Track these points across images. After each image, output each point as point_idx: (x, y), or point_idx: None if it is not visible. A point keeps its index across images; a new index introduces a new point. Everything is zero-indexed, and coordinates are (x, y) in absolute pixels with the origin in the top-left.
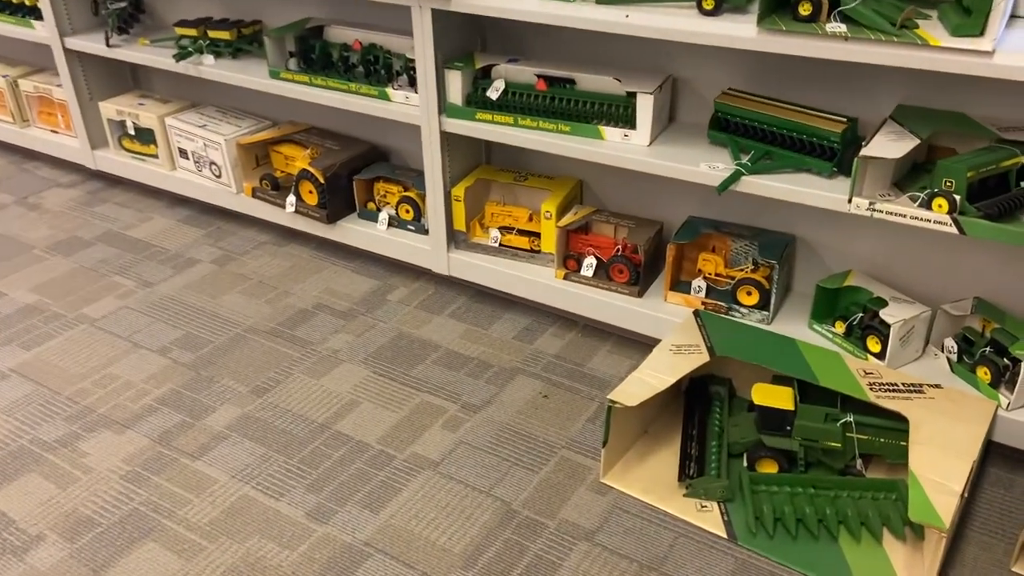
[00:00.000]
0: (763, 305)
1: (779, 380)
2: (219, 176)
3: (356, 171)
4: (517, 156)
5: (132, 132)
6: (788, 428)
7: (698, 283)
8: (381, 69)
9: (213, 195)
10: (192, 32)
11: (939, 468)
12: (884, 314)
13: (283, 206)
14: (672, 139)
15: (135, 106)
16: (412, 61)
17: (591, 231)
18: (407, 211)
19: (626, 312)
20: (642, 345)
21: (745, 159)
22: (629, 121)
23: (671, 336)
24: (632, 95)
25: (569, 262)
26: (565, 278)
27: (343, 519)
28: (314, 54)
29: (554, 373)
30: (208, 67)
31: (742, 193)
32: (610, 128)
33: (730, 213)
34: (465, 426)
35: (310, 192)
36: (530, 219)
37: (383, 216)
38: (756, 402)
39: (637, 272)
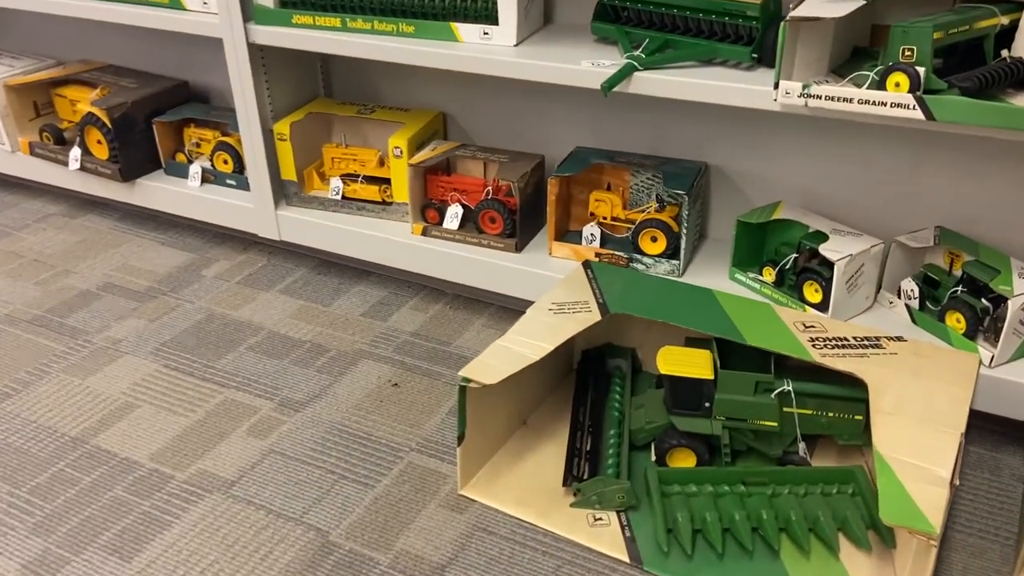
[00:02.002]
0: (672, 253)
1: (694, 344)
2: None
3: (158, 113)
4: (365, 85)
5: None
6: (707, 405)
7: (590, 230)
8: None
9: None
10: None
11: (915, 447)
12: (825, 250)
13: (66, 163)
14: (547, 40)
15: None
16: None
17: (455, 171)
18: (225, 161)
19: (501, 272)
20: None
21: (639, 52)
22: (490, 16)
23: (550, 293)
24: None
25: (429, 213)
26: (424, 233)
27: (76, 573)
28: None
29: (410, 355)
30: None
31: (640, 113)
32: (465, 25)
33: (628, 141)
34: (280, 430)
35: (98, 142)
36: (381, 163)
37: (195, 170)
38: (663, 371)
39: (513, 220)
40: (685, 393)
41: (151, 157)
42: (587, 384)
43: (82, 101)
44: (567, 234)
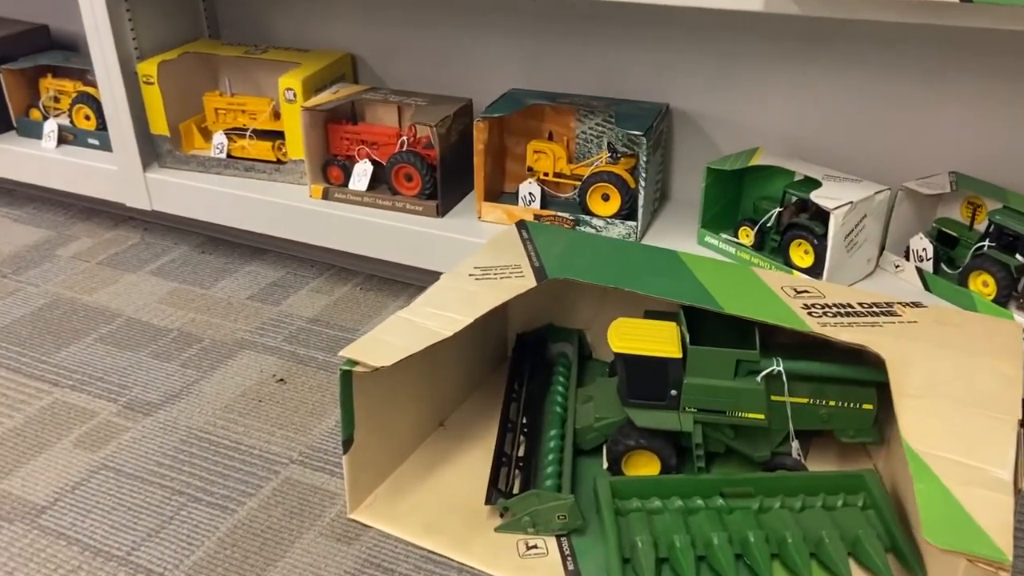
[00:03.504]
0: (628, 213)
1: (655, 317)
2: None
3: (8, 60)
4: (258, 24)
5: None
6: (673, 393)
7: (528, 188)
8: None
9: None
10: None
11: (959, 440)
12: (819, 197)
13: None
14: None
15: None
16: None
17: (364, 120)
18: (87, 117)
19: (420, 242)
20: None
21: None
22: None
23: (472, 257)
24: None
25: (331, 171)
26: (325, 196)
27: None
28: None
29: (304, 345)
30: None
31: (587, 46)
32: None
33: (572, 83)
34: (119, 439)
35: None
36: (277, 116)
37: (50, 127)
38: (616, 349)
39: (433, 177)
40: (645, 378)
41: None
42: (522, 375)
43: None
44: (501, 196)
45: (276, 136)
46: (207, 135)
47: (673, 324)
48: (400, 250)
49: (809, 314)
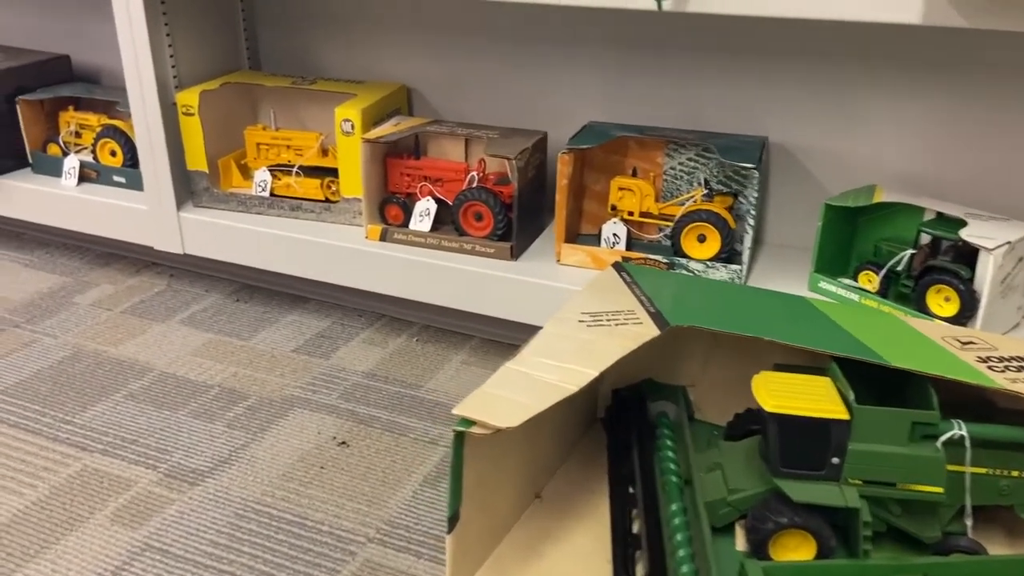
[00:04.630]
0: (729, 255)
1: (786, 370)
2: None
3: (26, 91)
4: (303, 54)
5: None
6: (835, 461)
7: (613, 228)
8: None
9: None
10: None
11: None
12: (971, 237)
13: None
14: None
15: None
16: None
17: (427, 155)
18: (113, 152)
19: (491, 288)
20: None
21: None
22: None
23: (576, 301)
24: None
25: (389, 210)
26: (383, 238)
27: None
28: None
29: (363, 403)
30: None
31: (669, 78)
32: None
33: (651, 117)
34: (164, 514)
35: None
36: (324, 152)
37: (71, 164)
38: (769, 409)
39: (507, 216)
40: (802, 444)
41: (13, 150)
42: (624, 437)
43: None
44: (578, 237)
45: (324, 173)
46: (246, 172)
47: (827, 380)
48: (468, 296)
49: (989, 368)
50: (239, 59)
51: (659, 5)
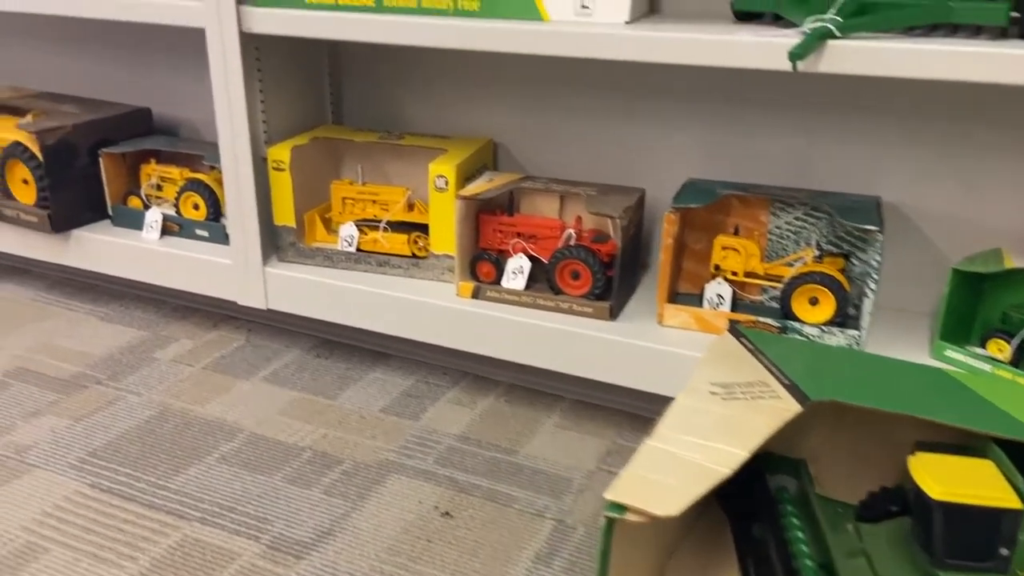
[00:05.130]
0: (843, 319)
1: (934, 451)
2: None
3: (108, 144)
4: (386, 110)
5: None
6: (1004, 552)
7: (718, 289)
8: None
9: None
10: None
11: None
12: None
13: None
14: (662, 23)
15: None
16: None
17: (519, 211)
18: (196, 206)
19: (589, 349)
20: (618, 412)
21: (831, 14)
22: None
23: (702, 370)
24: None
25: (481, 267)
26: (476, 296)
27: None
28: None
29: (460, 468)
30: None
31: (772, 136)
32: None
33: (750, 175)
34: None
35: (24, 182)
36: (410, 207)
37: (153, 217)
38: (938, 497)
39: (605, 276)
40: (968, 533)
41: (94, 203)
42: (747, 516)
43: (5, 130)
44: (676, 296)
45: (411, 228)
46: (328, 226)
47: (989, 463)
48: (564, 357)
49: None
50: (323, 113)
51: (794, 66)
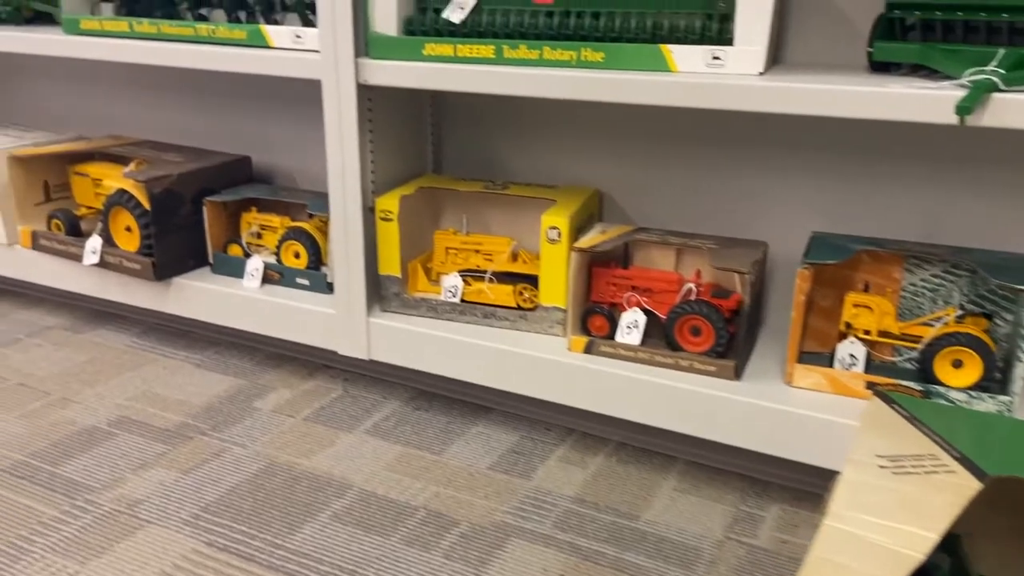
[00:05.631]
0: (988, 384)
1: None
2: None
3: (210, 192)
4: (486, 158)
5: None
6: None
7: (851, 349)
8: (257, 8)
9: None
10: None
11: None
12: None
13: (80, 258)
14: (793, 72)
15: None
16: None
17: (633, 263)
18: (297, 255)
19: (711, 409)
20: (737, 476)
21: (992, 67)
22: (717, 36)
23: (864, 439)
24: None
25: (593, 321)
26: (588, 350)
27: None
28: None
29: (581, 534)
30: None
31: (897, 191)
32: (683, 49)
33: (882, 227)
34: None
35: (127, 229)
36: (514, 257)
37: (254, 265)
38: None
39: (729, 332)
40: None
41: (194, 251)
42: None
43: (110, 178)
44: (802, 356)
45: (516, 279)
46: (431, 276)
47: None
48: (683, 417)
49: None
50: (424, 162)
51: (961, 120)
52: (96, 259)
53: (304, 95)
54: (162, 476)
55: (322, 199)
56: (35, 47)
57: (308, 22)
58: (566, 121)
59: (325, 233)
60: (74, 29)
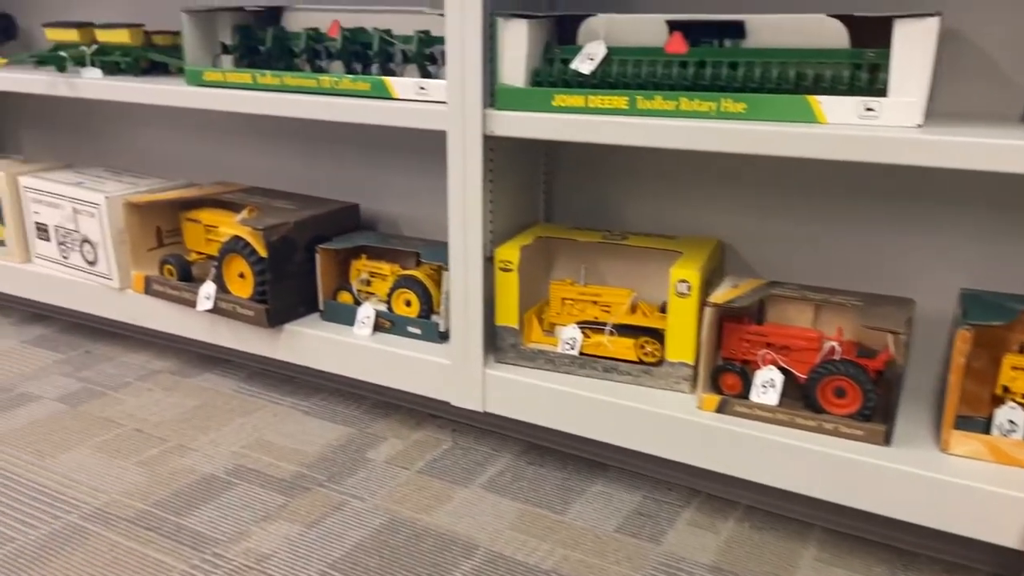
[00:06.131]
0: None
1: None
2: (94, 262)
3: (322, 240)
4: (598, 207)
5: None
6: None
7: (1008, 415)
8: (375, 59)
9: (83, 297)
10: (72, 35)
11: None
12: None
13: (193, 304)
14: (944, 124)
15: None
16: (428, 40)
17: (766, 319)
18: (408, 303)
19: (858, 476)
20: (881, 546)
21: None
22: (867, 87)
23: None
24: (878, 43)
25: (725, 378)
26: (721, 409)
27: None
28: (264, 45)
29: None
30: (91, 81)
31: None
32: (833, 100)
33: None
34: None
35: (240, 276)
36: (633, 309)
37: (365, 313)
38: None
39: (877, 395)
40: None
41: (305, 297)
42: None
43: (223, 225)
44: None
45: (643, 332)
46: (545, 327)
47: None
48: (825, 483)
49: None
50: (536, 211)
51: None
52: (210, 305)
53: (408, 143)
54: (286, 530)
55: (432, 247)
56: (161, 98)
57: (426, 73)
58: (682, 168)
59: (436, 281)
60: (197, 80)
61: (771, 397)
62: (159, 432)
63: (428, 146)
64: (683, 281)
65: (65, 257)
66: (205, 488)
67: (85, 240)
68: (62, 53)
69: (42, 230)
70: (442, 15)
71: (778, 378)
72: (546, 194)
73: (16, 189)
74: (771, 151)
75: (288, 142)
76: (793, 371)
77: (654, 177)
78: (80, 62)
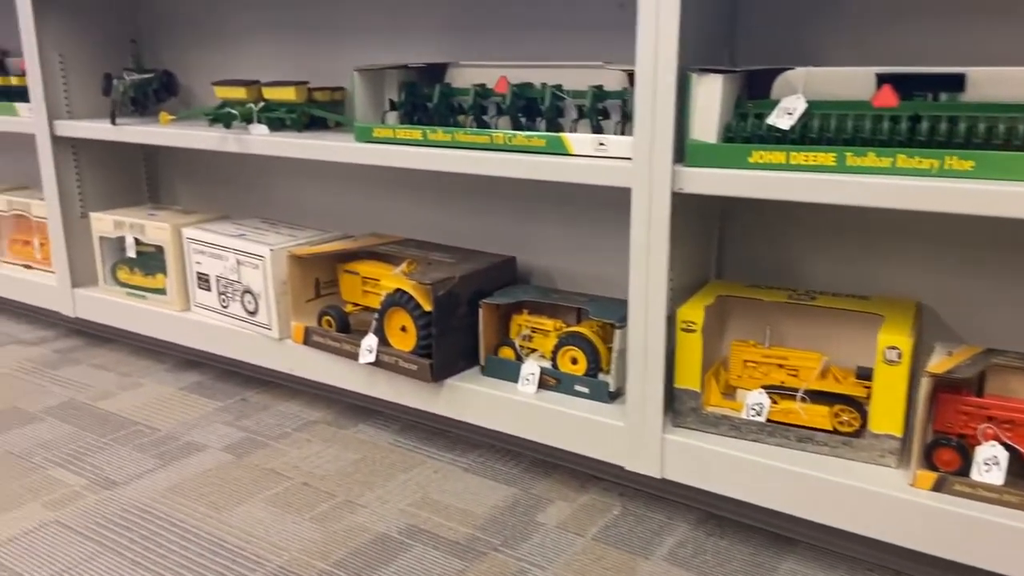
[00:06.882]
0: None
1: None
2: (254, 312)
3: (484, 294)
4: (774, 263)
5: (132, 255)
6: None
7: None
8: (547, 115)
9: (242, 346)
10: (239, 93)
11: None
12: None
13: (355, 356)
14: None
15: (143, 216)
16: (601, 95)
17: (987, 390)
18: (574, 360)
19: None
20: None
21: None
22: None
23: None
24: None
25: (941, 454)
26: (937, 488)
27: None
28: (430, 102)
29: None
30: (258, 138)
31: None
32: None
33: None
34: None
35: (402, 329)
36: (824, 373)
37: (530, 370)
38: None
39: None
40: None
41: (466, 352)
42: None
43: (384, 278)
44: None
45: (837, 400)
46: (729, 391)
47: None
48: None
49: None
50: (708, 268)
51: None
52: (372, 358)
53: (566, 197)
54: None
55: (599, 303)
56: (331, 155)
57: (598, 129)
58: (876, 226)
59: (602, 338)
60: (367, 137)
61: (995, 476)
62: (326, 486)
63: (581, 199)
64: (893, 348)
65: (225, 306)
66: (381, 548)
67: (247, 291)
68: (231, 110)
69: (203, 280)
70: (620, 70)
71: (1002, 455)
72: (719, 250)
73: (180, 240)
74: (1005, 213)
75: (436, 194)
76: (1018, 448)
77: (834, 231)
78: (247, 118)
